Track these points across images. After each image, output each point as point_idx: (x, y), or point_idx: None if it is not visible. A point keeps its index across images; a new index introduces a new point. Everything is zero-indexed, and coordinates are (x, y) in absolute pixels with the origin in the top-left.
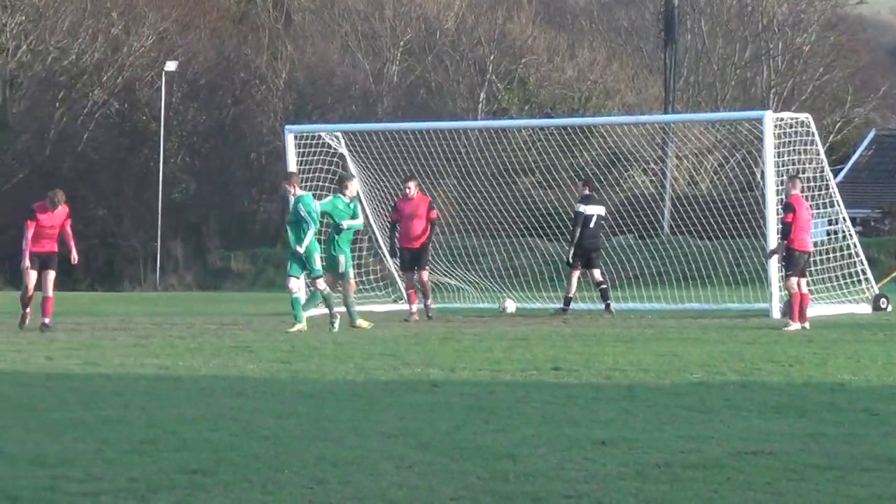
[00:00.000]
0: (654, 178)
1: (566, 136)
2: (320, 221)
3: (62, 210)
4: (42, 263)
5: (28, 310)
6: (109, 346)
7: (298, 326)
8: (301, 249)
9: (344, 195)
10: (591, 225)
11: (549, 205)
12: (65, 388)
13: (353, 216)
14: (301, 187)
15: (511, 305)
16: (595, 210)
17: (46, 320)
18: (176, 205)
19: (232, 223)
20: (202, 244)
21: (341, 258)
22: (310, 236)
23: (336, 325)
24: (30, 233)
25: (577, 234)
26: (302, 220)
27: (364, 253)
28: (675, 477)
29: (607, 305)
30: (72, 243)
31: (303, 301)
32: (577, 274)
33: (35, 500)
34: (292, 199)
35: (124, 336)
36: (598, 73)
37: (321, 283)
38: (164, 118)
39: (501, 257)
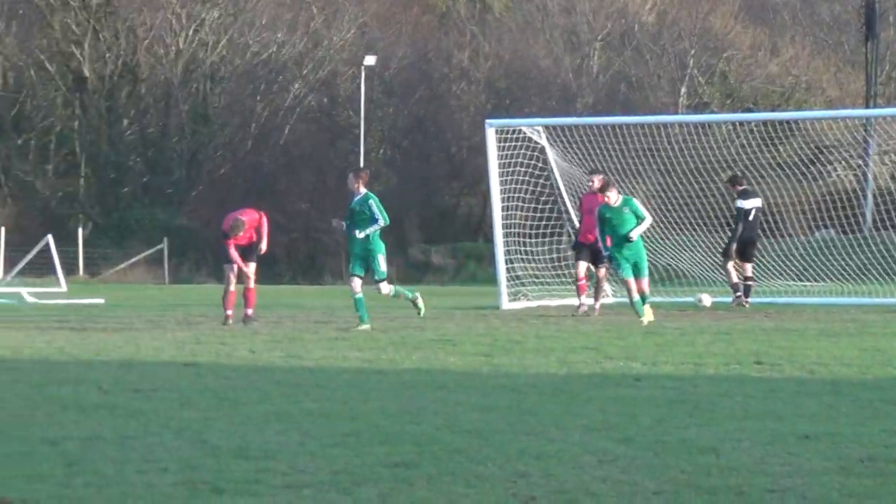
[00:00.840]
0: (856, 172)
1: (767, 131)
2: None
3: (251, 218)
4: (242, 255)
5: (230, 311)
6: (312, 339)
7: (363, 327)
8: (361, 235)
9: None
10: (751, 218)
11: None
12: (268, 380)
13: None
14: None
15: (707, 299)
16: (753, 203)
17: (249, 311)
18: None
19: (433, 217)
20: (403, 238)
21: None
22: (375, 229)
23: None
24: (231, 248)
25: (740, 229)
26: (373, 216)
27: (563, 246)
28: (879, 471)
29: (738, 297)
30: (264, 236)
31: (366, 301)
32: (731, 263)
33: (239, 492)
34: (360, 195)
35: (326, 329)
36: (801, 68)
37: (385, 287)
38: (364, 112)
39: (701, 252)
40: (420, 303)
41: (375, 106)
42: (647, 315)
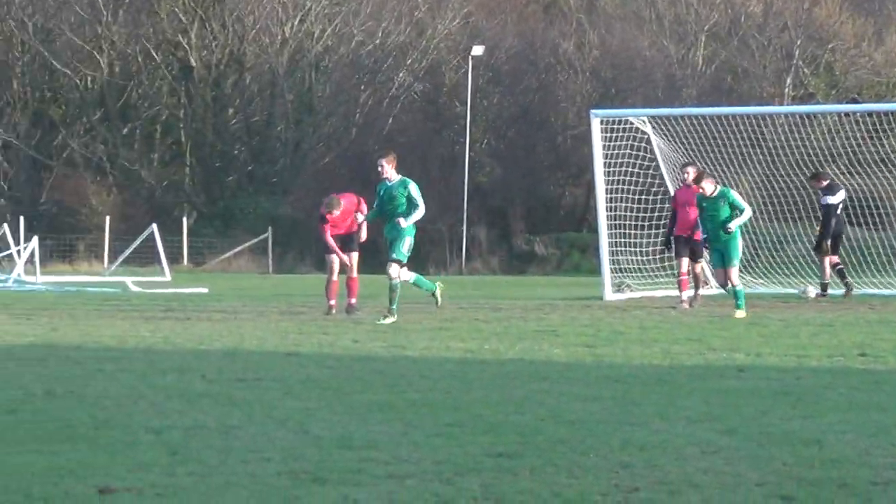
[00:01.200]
0: None
1: (872, 122)
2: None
3: (349, 201)
4: (342, 245)
5: (333, 301)
6: (415, 329)
7: (438, 292)
8: (406, 223)
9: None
10: (838, 212)
11: (853, 192)
12: (371, 370)
13: None
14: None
15: (812, 291)
16: (840, 198)
17: (352, 301)
18: (481, 189)
19: (537, 207)
20: (507, 228)
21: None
22: (418, 216)
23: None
24: (327, 234)
25: (833, 224)
26: (415, 201)
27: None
28: None
29: (825, 293)
30: (363, 223)
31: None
32: (828, 259)
33: (342, 481)
34: (394, 181)
35: (430, 319)
36: None
37: (394, 270)
38: (469, 102)
39: (805, 243)
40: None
41: (481, 96)
42: (741, 311)
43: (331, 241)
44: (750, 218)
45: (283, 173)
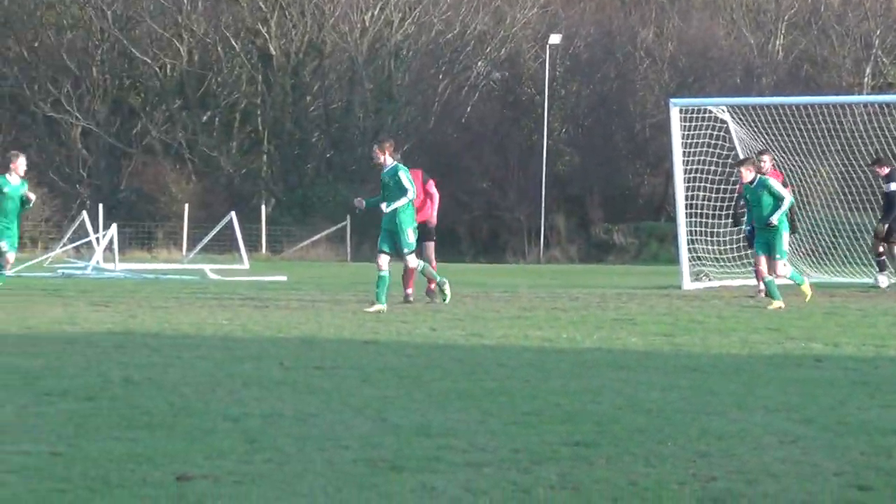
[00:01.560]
0: None
1: None
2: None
3: (415, 176)
4: (420, 235)
5: (410, 290)
6: (493, 317)
7: (377, 307)
8: (388, 209)
9: None
10: None
11: None
12: (448, 358)
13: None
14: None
15: (883, 281)
16: None
17: (432, 286)
18: (559, 178)
19: (615, 196)
20: (585, 217)
21: None
22: (402, 203)
23: (447, 291)
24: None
25: (894, 212)
26: (404, 188)
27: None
28: None
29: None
30: (432, 207)
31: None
32: (882, 246)
33: (420, 469)
34: (388, 167)
35: (508, 308)
36: None
37: (413, 260)
38: (547, 91)
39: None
40: (447, 289)
41: (559, 84)
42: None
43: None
44: (792, 205)
45: (362, 161)
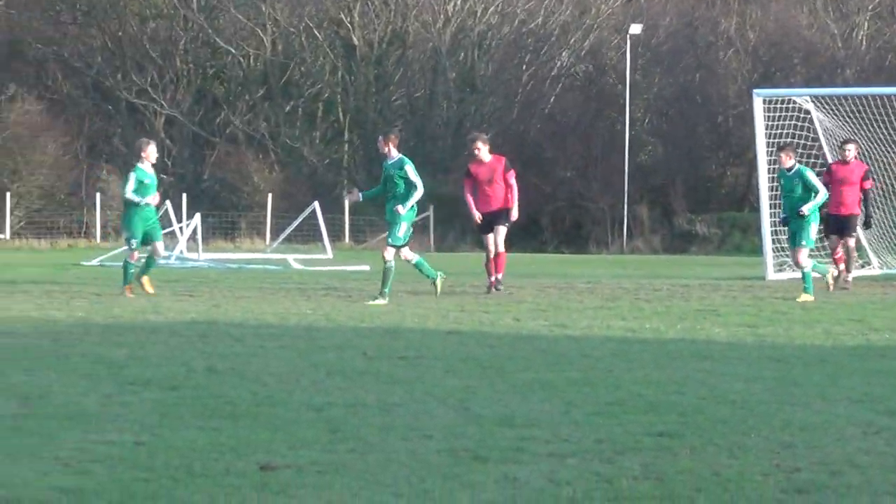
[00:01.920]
0: None
1: None
2: None
3: (495, 161)
4: (491, 221)
5: (493, 278)
6: (576, 307)
7: (440, 280)
8: (404, 210)
9: None
10: None
11: None
12: (532, 349)
13: None
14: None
15: None
16: None
17: (499, 276)
18: (642, 168)
19: (698, 186)
20: (669, 207)
21: None
22: (415, 200)
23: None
24: (467, 189)
25: None
26: (412, 182)
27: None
28: None
29: None
30: (512, 198)
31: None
32: None
33: (503, 459)
34: (393, 159)
35: (591, 298)
36: None
37: (389, 253)
38: (629, 81)
39: None
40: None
41: (641, 75)
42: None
43: (470, 200)
44: (825, 199)
45: (445, 151)
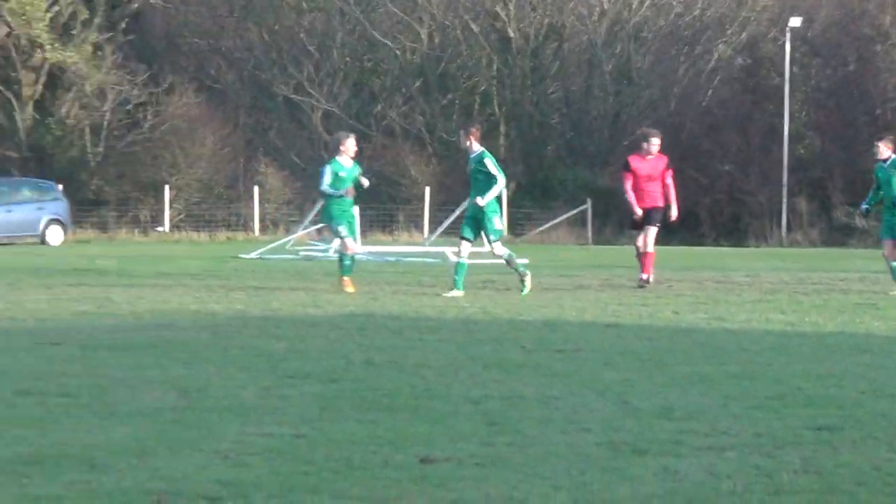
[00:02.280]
0: None
1: None
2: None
3: (658, 159)
4: (646, 218)
5: (645, 274)
6: (735, 301)
7: (454, 293)
8: (482, 202)
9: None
10: None
11: None
12: (690, 342)
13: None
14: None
15: None
16: None
17: (644, 276)
18: (801, 161)
19: (857, 179)
20: (827, 200)
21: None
22: (496, 192)
23: (527, 283)
24: (628, 184)
25: None
26: (492, 175)
27: None
28: None
29: None
30: (671, 197)
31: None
32: None
33: (661, 452)
34: (474, 153)
35: (750, 292)
36: None
37: (499, 248)
38: (788, 74)
39: None
40: (528, 281)
41: (798, 67)
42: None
43: (631, 195)
44: None
45: (602, 144)
